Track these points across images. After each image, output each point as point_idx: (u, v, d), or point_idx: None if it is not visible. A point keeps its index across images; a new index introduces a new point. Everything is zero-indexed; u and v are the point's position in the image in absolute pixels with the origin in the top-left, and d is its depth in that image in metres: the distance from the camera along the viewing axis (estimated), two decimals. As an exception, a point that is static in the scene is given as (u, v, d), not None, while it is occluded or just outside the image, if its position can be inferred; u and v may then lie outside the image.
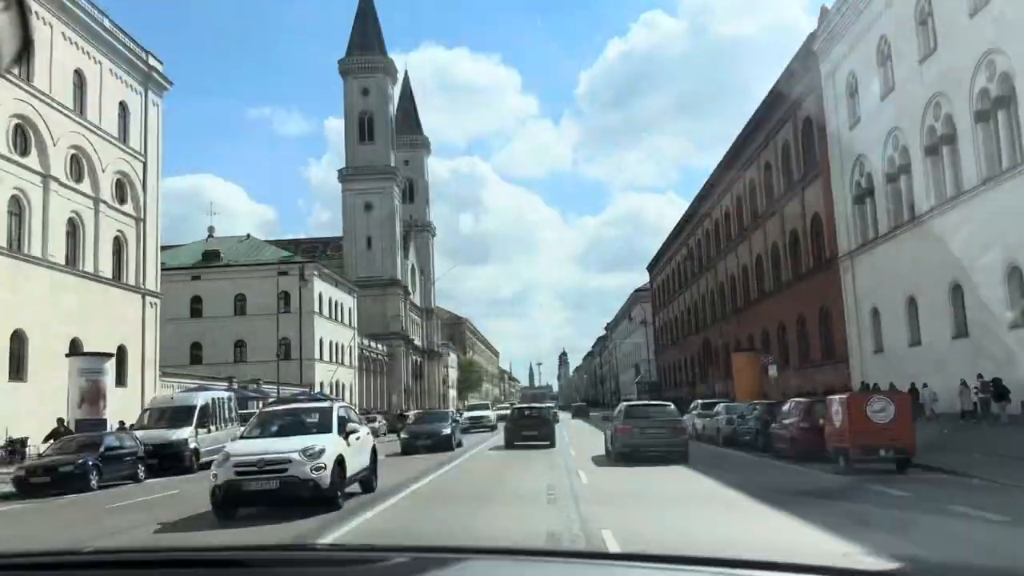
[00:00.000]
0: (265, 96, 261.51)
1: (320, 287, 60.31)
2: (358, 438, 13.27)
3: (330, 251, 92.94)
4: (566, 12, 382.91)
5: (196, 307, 58.51)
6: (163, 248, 69.48)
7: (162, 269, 60.72)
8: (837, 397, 16.23)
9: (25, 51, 1.22)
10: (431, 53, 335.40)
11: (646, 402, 24.91)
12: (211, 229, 65.44)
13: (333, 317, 63.50)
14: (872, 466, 14.73)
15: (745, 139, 46.17)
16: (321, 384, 59.24)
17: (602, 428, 26.40)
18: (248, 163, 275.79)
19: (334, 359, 63.08)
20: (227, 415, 25.73)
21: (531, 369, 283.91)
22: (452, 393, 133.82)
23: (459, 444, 27.02)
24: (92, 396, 25.32)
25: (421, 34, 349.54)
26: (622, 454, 18.43)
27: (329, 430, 12.42)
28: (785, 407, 20.06)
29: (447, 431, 26.21)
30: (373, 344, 79.39)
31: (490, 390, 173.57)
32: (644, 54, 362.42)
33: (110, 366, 27.83)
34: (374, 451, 14.65)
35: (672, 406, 20.84)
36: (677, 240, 71.42)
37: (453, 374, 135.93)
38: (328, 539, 8.38)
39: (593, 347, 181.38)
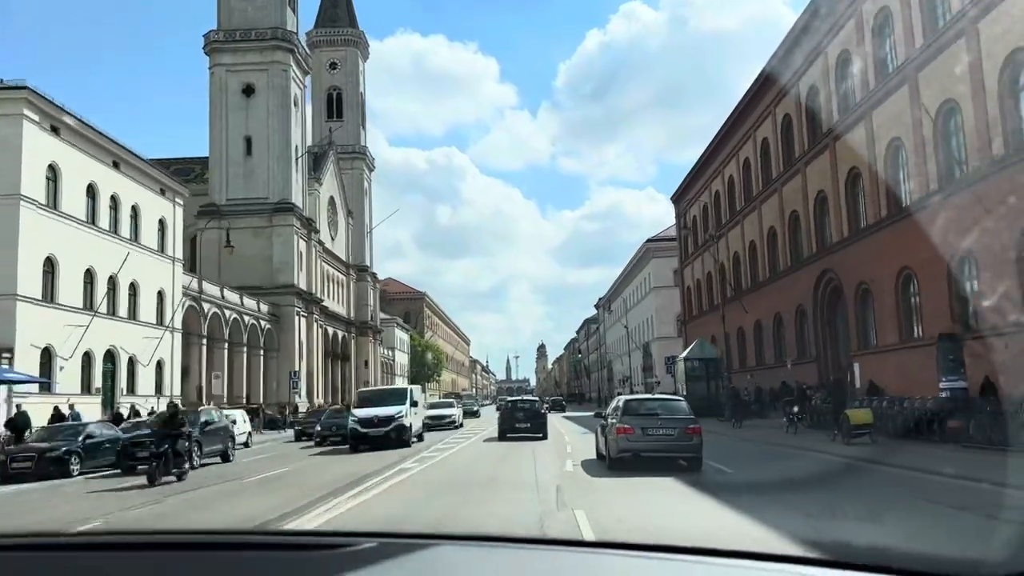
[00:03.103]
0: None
1: (46, 147, 29.25)
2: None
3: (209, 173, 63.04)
4: (545, 1, 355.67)
5: None
6: None
7: None
8: None
9: None
10: (406, 40, 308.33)
11: (648, 396, 21.08)
12: None
13: (103, 224, 32.84)
14: None
15: None
16: (48, 351, 28.76)
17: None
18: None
19: (98, 305, 32.39)
20: None
21: (508, 362, 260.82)
22: (401, 383, 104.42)
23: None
24: None
25: (396, 21, 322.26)
26: (620, 460, 14.72)
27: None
28: None
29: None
30: (240, 300, 49.00)
31: (456, 381, 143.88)
32: (624, 45, 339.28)
33: None
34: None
35: (682, 401, 16.82)
36: (736, 132, 41.68)
37: (403, 358, 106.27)
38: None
39: (578, 331, 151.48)
